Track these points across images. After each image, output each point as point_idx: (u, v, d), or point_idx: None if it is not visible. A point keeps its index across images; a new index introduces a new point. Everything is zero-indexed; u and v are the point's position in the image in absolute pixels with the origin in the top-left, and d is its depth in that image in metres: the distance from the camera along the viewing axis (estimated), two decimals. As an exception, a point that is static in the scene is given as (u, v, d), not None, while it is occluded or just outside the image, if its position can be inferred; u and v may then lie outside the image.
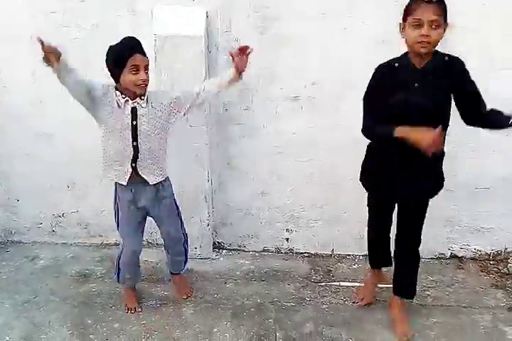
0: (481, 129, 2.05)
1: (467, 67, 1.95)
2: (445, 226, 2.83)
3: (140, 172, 2.19)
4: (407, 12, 1.88)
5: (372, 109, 2.04)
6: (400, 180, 2.08)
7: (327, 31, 2.54)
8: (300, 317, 2.42)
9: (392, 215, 2.27)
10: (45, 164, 2.92)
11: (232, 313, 2.46)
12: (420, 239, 2.21)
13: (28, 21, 2.63)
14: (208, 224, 2.88)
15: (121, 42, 2.04)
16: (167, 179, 2.32)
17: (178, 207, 2.42)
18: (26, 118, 2.83)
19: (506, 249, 2.89)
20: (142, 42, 2.07)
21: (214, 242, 3.04)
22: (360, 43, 2.53)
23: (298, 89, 2.66)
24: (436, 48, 1.91)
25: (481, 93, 1.97)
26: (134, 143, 2.14)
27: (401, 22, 1.92)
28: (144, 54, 2.04)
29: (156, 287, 2.66)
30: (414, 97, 1.94)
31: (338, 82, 2.62)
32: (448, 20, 1.86)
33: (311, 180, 2.85)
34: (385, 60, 2.03)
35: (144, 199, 2.26)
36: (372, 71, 2.03)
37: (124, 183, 2.20)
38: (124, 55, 2.00)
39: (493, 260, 2.90)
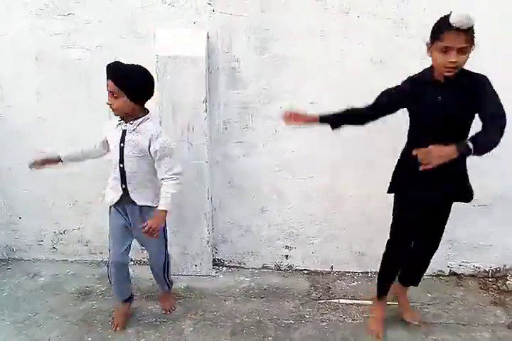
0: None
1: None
2: (444, 243, 2.81)
3: (130, 195, 2.26)
4: (436, 37, 1.91)
5: (377, 99, 2.14)
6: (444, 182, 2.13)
7: (324, 52, 2.59)
8: (299, 335, 2.42)
9: None
10: (47, 182, 2.95)
11: (232, 331, 2.45)
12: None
13: (32, 41, 2.69)
14: (208, 241, 2.89)
15: None
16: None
17: (164, 231, 2.42)
18: (29, 137, 2.86)
19: (505, 266, 2.91)
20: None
21: (214, 259, 3.05)
22: (357, 64, 2.59)
23: (296, 108, 2.70)
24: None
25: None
26: (121, 165, 2.21)
27: (428, 41, 1.98)
28: (113, 80, 2.08)
29: (156, 304, 2.66)
30: (438, 109, 2.02)
31: (335, 101, 2.66)
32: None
33: (310, 198, 2.88)
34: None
35: (132, 219, 2.34)
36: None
37: (114, 203, 2.31)
38: None
39: (492, 277, 2.91)
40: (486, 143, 1.89)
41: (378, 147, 2.69)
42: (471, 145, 1.84)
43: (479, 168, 2.64)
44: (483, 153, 1.89)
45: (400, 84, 2.11)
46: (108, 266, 2.45)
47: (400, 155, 2.25)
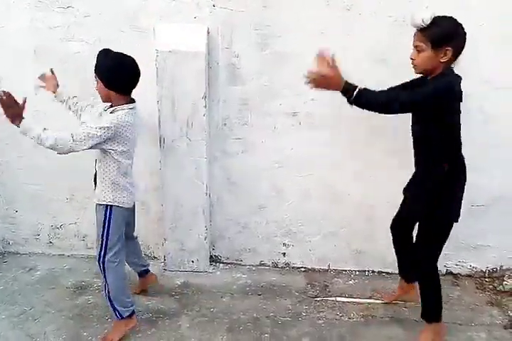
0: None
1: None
2: (441, 243, 2.84)
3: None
4: None
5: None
6: None
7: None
8: (296, 332, 2.42)
9: None
10: (45, 176, 2.94)
11: (228, 327, 2.45)
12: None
13: (31, 35, 2.67)
14: (206, 238, 2.89)
15: None
16: (104, 206, 2.24)
17: (103, 236, 2.25)
18: (27, 130, 2.85)
19: (502, 266, 2.90)
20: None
21: (211, 256, 3.04)
22: (358, 62, 2.57)
23: (297, 105, 2.69)
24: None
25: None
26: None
27: None
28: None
29: (152, 300, 2.66)
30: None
31: (336, 99, 2.64)
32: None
33: (309, 195, 2.87)
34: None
35: None
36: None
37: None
38: None
39: (488, 277, 2.91)
40: (370, 98, 1.96)
41: (378, 145, 2.68)
42: (357, 91, 1.94)
43: (477, 168, 2.65)
44: (360, 105, 1.98)
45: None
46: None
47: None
